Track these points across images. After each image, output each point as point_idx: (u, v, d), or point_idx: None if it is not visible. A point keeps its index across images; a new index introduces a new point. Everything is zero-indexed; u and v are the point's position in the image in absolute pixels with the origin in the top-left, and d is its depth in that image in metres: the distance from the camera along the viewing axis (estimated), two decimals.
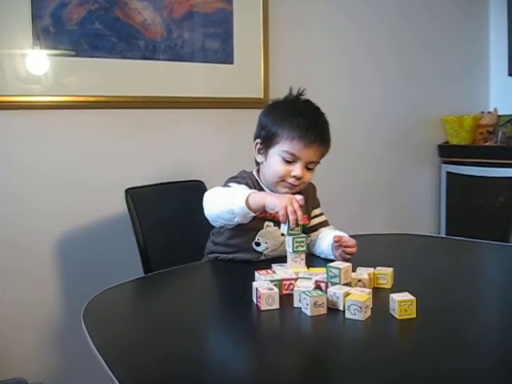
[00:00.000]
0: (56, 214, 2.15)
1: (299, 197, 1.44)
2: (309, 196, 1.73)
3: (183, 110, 2.40)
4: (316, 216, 1.77)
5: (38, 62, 2.08)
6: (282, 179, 1.60)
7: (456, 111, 3.24)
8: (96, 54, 2.18)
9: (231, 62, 2.48)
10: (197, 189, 2.07)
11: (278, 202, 1.41)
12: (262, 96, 2.49)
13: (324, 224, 1.77)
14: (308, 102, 1.71)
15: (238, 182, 1.63)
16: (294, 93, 1.71)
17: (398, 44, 3.05)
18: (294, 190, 1.63)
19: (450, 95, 3.29)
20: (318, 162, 1.64)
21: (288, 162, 1.59)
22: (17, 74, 2.05)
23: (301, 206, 1.41)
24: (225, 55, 2.46)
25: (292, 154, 1.58)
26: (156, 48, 2.30)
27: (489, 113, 3.29)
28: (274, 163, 1.60)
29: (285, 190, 1.62)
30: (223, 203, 1.50)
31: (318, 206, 1.80)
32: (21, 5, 2.01)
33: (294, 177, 1.59)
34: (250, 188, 1.61)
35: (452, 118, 3.21)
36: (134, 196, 1.92)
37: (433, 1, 3.17)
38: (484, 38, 3.43)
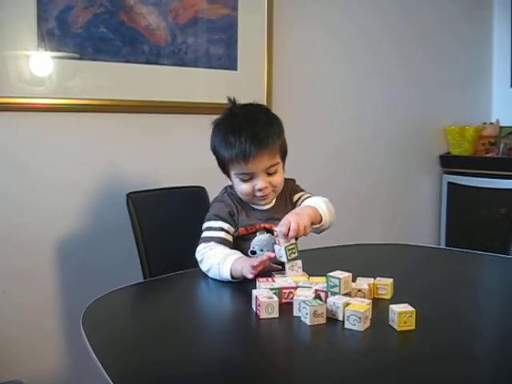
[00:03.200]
0: (57, 216, 2.16)
1: (266, 254, 1.43)
2: (290, 195, 1.71)
3: (186, 116, 2.40)
4: (297, 201, 1.71)
5: (42, 65, 2.09)
6: (252, 195, 1.59)
7: (458, 122, 3.24)
8: (100, 57, 2.18)
9: (235, 69, 2.48)
10: (198, 195, 2.07)
11: (244, 271, 1.42)
12: (265, 102, 2.49)
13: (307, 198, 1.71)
14: (242, 109, 1.63)
15: (216, 216, 1.60)
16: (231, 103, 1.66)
17: (402, 53, 3.06)
18: (270, 197, 1.62)
19: (452, 105, 3.30)
20: (279, 162, 1.60)
21: (246, 180, 1.57)
22: (21, 75, 2.05)
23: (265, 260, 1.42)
24: (229, 61, 2.46)
25: (244, 174, 1.57)
26: (160, 53, 2.30)
27: (491, 124, 3.29)
28: (237, 185, 1.60)
29: (262, 201, 1.62)
30: (213, 273, 1.51)
31: (297, 192, 1.73)
32: (26, 7, 2.02)
33: (260, 189, 1.57)
34: (230, 207, 1.61)
35: (454, 129, 3.22)
36: (136, 200, 1.91)
37: (436, 10, 3.18)
38: (487, 49, 3.44)
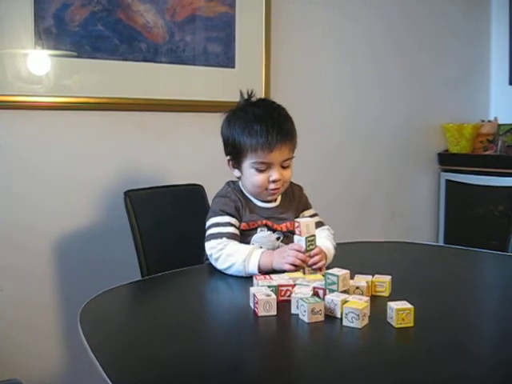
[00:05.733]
0: (55, 214, 2.15)
1: (295, 245, 1.46)
2: (295, 199, 1.72)
3: (184, 114, 2.39)
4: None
5: (39, 63, 2.08)
6: (264, 188, 1.60)
7: (456, 119, 3.24)
8: (97, 55, 2.18)
9: (233, 66, 2.48)
10: (196, 193, 2.07)
11: (279, 263, 1.45)
12: None
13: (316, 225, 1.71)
14: (260, 101, 1.68)
15: (223, 211, 1.60)
16: (245, 96, 1.69)
17: (400, 51, 3.05)
18: (278, 192, 1.64)
19: (450, 103, 3.29)
20: (292, 157, 1.63)
21: (262, 171, 1.58)
22: (18, 74, 2.04)
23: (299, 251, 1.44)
24: (226, 59, 2.46)
25: (262, 163, 1.58)
26: (158, 51, 2.30)
27: (489, 121, 3.29)
28: (250, 176, 1.60)
29: (270, 196, 1.64)
30: (235, 269, 1.50)
31: (307, 207, 1.76)
32: (23, 5, 2.01)
33: (274, 181, 1.59)
34: (235, 202, 1.61)
35: (452, 126, 3.21)
36: (133, 198, 1.91)
37: (435, 9, 3.17)
38: (485, 46, 3.43)
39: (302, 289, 1.27)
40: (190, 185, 2.10)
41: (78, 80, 2.16)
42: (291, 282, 1.31)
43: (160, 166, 2.33)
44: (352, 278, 1.32)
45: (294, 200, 1.72)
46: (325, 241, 1.61)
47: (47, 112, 2.12)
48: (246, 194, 1.66)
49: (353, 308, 1.13)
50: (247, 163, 1.60)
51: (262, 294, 1.23)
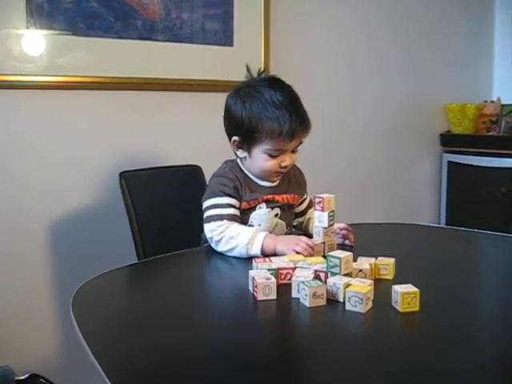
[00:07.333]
0: (49, 196, 2.12)
1: (304, 238, 1.46)
2: (296, 181, 1.72)
3: (181, 93, 2.35)
4: (304, 200, 1.76)
5: (32, 41, 2.03)
6: (273, 172, 1.59)
7: (459, 100, 3.20)
8: (92, 33, 2.13)
9: (231, 44, 2.42)
10: (194, 174, 2.04)
11: (285, 247, 1.45)
12: None
13: (311, 205, 1.73)
14: (274, 82, 1.61)
15: (222, 192, 1.56)
16: (254, 74, 1.64)
17: (400, 30, 3.00)
18: (282, 174, 1.63)
19: (453, 83, 3.25)
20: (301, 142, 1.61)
21: (275, 156, 1.56)
22: (10, 52, 2.00)
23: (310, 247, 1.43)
24: (224, 37, 2.40)
25: (278, 150, 1.55)
26: (154, 28, 2.24)
27: (492, 102, 3.25)
28: (261, 160, 1.56)
29: (277, 177, 1.62)
30: (238, 252, 1.48)
31: (304, 193, 1.77)
32: None
33: (285, 166, 1.57)
34: (234, 182, 1.58)
35: (455, 107, 3.17)
36: (129, 179, 1.88)
37: None
38: (488, 25, 3.38)
39: (303, 272, 1.24)
40: (187, 165, 2.07)
41: (72, 59, 2.11)
42: (292, 265, 1.28)
43: (157, 147, 2.30)
44: (355, 260, 1.29)
45: (294, 181, 1.71)
46: None
47: (41, 91, 2.08)
48: (247, 173, 1.62)
49: (356, 292, 1.10)
50: (260, 148, 1.55)
51: (261, 277, 1.19)
